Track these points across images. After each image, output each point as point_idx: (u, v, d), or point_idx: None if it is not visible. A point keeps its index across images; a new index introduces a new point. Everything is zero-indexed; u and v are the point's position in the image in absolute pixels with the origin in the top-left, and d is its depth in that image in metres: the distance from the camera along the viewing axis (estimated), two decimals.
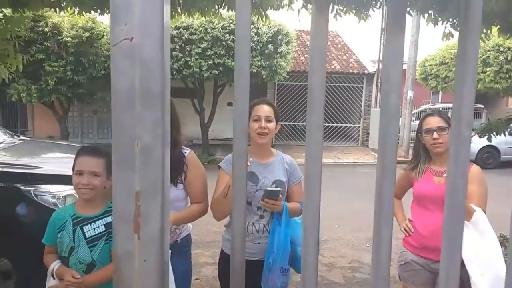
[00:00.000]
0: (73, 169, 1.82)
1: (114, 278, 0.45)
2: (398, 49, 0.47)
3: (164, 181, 0.46)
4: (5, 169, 3.15)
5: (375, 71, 15.01)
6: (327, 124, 14.65)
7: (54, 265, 1.85)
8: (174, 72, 10.31)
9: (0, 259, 3.23)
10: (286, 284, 2.12)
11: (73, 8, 3.68)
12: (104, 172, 1.79)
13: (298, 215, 2.19)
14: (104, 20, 11.03)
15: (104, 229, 1.82)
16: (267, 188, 2.01)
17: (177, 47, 10.30)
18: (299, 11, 3.99)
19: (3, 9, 3.04)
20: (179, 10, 3.84)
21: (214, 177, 2.21)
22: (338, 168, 11.17)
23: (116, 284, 0.44)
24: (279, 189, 2.04)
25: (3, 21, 2.64)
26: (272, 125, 2.15)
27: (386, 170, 0.46)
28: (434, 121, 2.15)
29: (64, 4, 3.57)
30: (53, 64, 9.94)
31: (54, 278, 1.85)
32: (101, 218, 1.83)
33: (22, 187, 3.23)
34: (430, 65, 15.37)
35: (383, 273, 0.48)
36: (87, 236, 1.80)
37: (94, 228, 1.81)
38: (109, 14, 0.42)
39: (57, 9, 3.66)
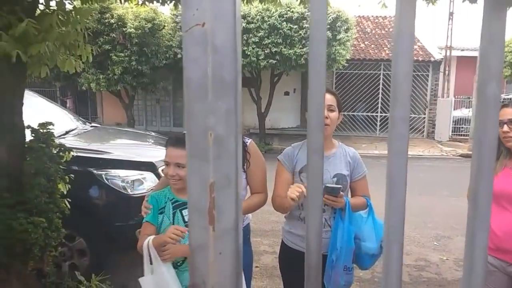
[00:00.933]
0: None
1: (189, 270, 0.45)
2: (499, 30, 0.41)
3: (237, 172, 0.45)
4: (79, 154, 3.38)
5: (442, 58, 14.09)
6: (389, 115, 14.05)
7: (149, 239, 1.79)
8: None
9: (75, 238, 3.49)
10: (350, 283, 2.04)
11: None
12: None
13: (363, 209, 2.11)
14: (164, 10, 11.39)
15: None
16: (327, 185, 1.93)
17: None
18: None
19: (73, 1, 3.22)
20: None
21: (271, 166, 2.19)
22: None
23: (192, 276, 0.44)
24: (339, 186, 1.96)
25: (73, 12, 2.77)
26: (334, 115, 2.04)
27: (482, 169, 0.41)
28: (506, 113, 1.99)
29: None
30: (119, 54, 10.47)
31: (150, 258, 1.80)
32: None
33: (94, 171, 3.46)
34: (505, 52, 14.11)
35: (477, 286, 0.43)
36: (186, 220, 1.83)
37: None
38: None
39: (122, 0, 3.82)
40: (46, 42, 2.28)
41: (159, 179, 3.82)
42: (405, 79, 0.42)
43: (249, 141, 2.16)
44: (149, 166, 3.76)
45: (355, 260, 2.05)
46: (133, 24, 10.39)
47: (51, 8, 2.59)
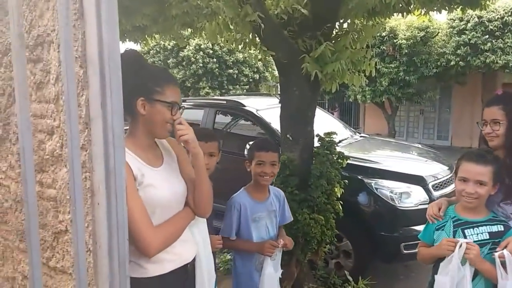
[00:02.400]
0: (455, 173, 1.83)
1: None
2: None
3: None
4: (351, 162, 3.61)
5: None
6: None
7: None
8: None
9: (343, 239, 3.75)
10: None
11: (420, 9, 3.75)
12: (490, 181, 1.70)
13: None
14: (439, 17, 10.74)
15: (488, 236, 1.72)
16: None
17: None
18: None
19: (360, 20, 3.45)
20: None
21: None
22: None
23: None
24: None
25: (362, 31, 2.96)
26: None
27: None
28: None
29: (412, 7, 3.69)
30: (388, 65, 10.59)
31: None
32: (485, 225, 1.74)
33: (364, 179, 3.62)
34: None
35: None
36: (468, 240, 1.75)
37: (477, 234, 1.74)
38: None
39: (404, 13, 3.82)
40: (340, 61, 2.54)
41: (427, 194, 3.64)
42: None
43: None
44: (418, 180, 3.63)
45: None
46: (404, 35, 10.32)
47: (344, 29, 2.87)
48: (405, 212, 3.47)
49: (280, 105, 3.10)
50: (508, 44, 9.58)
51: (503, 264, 1.61)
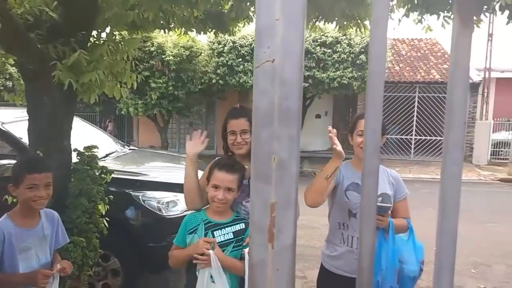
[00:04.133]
0: (207, 179, 1.94)
1: (248, 285, 0.48)
2: None
3: (296, 194, 0.48)
4: (118, 176, 3.50)
5: (480, 80, 13.71)
6: (424, 138, 13.73)
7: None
8: None
9: (110, 258, 3.57)
10: None
11: (180, 28, 4.01)
12: (236, 187, 1.89)
13: (403, 232, 2.09)
14: (201, 38, 11.84)
15: (232, 236, 1.90)
16: (378, 204, 1.94)
17: None
18: (399, 20, 3.83)
19: (121, 32, 3.41)
20: None
21: (302, 188, 2.17)
22: (437, 185, 10.33)
23: None
24: (389, 205, 1.98)
25: (122, 43, 2.93)
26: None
27: None
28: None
29: (172, 25, 3.91)
30: (157, 80, 10.91)
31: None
32: (230, 226, 1.92)
33: (132, 192, 3.57)
34: None
35: None
36: (217, 241, 1.88)
37: (224, 234, 1.90)
38: (254, 39, 0.45)
39: (166, 30, 4.01)
40: (97, 71, 2.43)
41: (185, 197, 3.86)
42: (460, 106, 0.45)
43: None
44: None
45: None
46: (171, 52, 10.84)
47: (101, 39, 2.76)
48: (172, 220, 3.56)
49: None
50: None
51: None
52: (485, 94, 13.74)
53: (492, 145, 13.22)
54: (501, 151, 13.22)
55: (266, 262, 0.47)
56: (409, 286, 2.05)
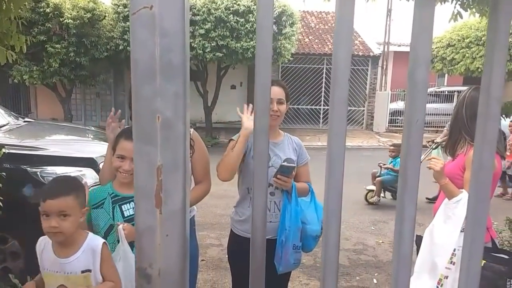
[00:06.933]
0: (113, 150, 1.82)
1: (136, 253, 0.45)
2: (428, 19, 0.45)
3: (186, 156, 0.45)
4: (12, 151, 3.15)
5: (380, 53, 14.82)
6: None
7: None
8: None
9: (8, 240, 3.27)
10: (299, 260, 2.17)
11: None
12: None
13: (305, 195, 2.22)
14: (105, 1, 10.90)
15: None
16: (283, 163, 2.03)
17: None
18: None
19: None
20: None
21: (217, 159, 2.19)
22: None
23: (138, 259, 0.44)
24: (294, 165, 2.07)
25: (6, 1, 2.59)
26: (283, 107, 2.18)
27: (411, 147, 0.45)
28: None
29: None
30: (56, 45, 9.89)
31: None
32: None
33: (28, 169, 3.25)
34: (437, 47, 15.13)
35: (406, 252, 0.47)
36: (126, 215, 1.79)
37: (132, 208, 1.79)
38: None
39: None
40: None
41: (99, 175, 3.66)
42: (344, 63, 0.45)
43: (191, 129, 2.16)
44: (89, 162, 3.59)
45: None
46: (70, 14, 9.84)
47: None
48: None
49: None
50: None
51: None
52: (384, 66, 14.92)
53: (390, 114, 14.53)
54: (398, 119, 14.62)
55: (154, 229, 0.44)
56: (312, 244, 2.22)
